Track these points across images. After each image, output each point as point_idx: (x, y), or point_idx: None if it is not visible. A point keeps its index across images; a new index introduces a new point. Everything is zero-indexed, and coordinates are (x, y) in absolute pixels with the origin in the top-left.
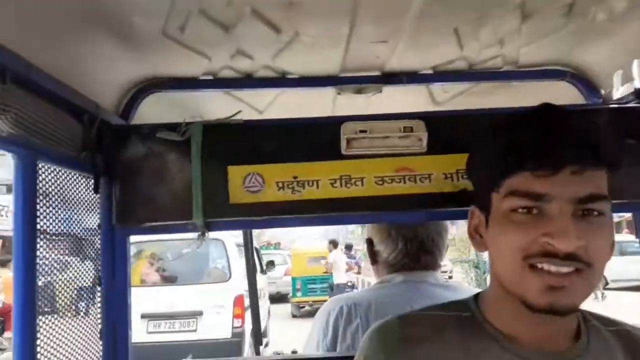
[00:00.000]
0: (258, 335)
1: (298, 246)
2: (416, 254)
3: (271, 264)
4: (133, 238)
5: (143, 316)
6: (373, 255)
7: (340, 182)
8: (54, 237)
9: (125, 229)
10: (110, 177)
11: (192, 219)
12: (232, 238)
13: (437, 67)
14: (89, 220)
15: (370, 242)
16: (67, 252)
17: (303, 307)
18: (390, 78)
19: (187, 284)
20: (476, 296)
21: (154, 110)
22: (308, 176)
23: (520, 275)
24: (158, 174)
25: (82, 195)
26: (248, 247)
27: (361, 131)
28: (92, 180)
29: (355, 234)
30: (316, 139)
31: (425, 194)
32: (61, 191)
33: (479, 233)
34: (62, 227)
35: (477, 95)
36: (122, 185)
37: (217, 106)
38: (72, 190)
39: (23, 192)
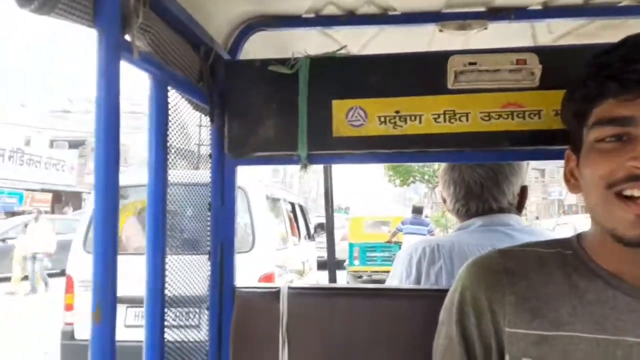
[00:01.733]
0: (333, 274)
1: (357, 210)
2: (478, 197)
3: (320, 227)
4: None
5: (121, 300)
6: (445, 202)
7: (444, 117)
8: (178, 158)
9: (235, 159)
10: (223, 109)
11: (296, 151)
12: (260, 187)
13: (549, 1)
14: (203, 148)
15: (440, 192)
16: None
17: (361, 277)
18: (497, 14)
19: (188, 254)
20: (578, 236)
21: (256, 50)
22: (411, 111)
23: (608, 207)
24: (267, 107)
25: (198, 124)
26: (328, 182)
27: (470, 63)
28: (208, 111)
29: (414, 200)
30: (421, 73)
31: (534, 130)
32: (183, 118)
33: (573, 176)
34: (185, 151)
35: (584, 37)
36: (234, 116)
37: (315, 48)
38: (191, 119)
39: (157, 112)
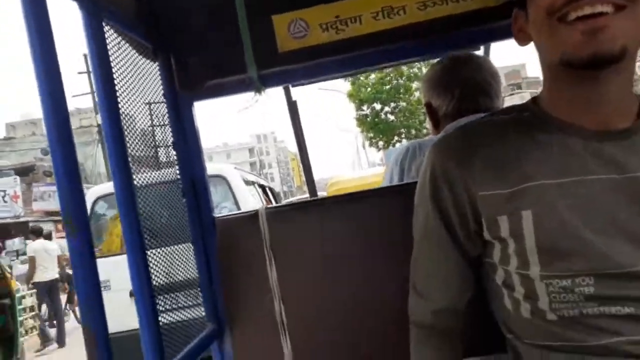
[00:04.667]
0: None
1: (339, 176)
2: (474, 96)
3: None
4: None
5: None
6: (435, 117)
7: (382, 13)
8: (128, 104)
9: (189, 94)
10: (166, 45)
11: (246, 73)
12: (238, 172)
13: None
14: (154, 91)
15: (429, 106)
16: (143, 120)
17: None
18: None
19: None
20: (533, 99)
21: None
22: (350, 13)
23: (553, 33)
24: (209, 35)
25: (145, 66)
26: (296, 122)
27: None
28: (150, 49)
29: None
30: None
31: (470, 11)
32: (127, 61)
33: (522, 31)
34: (134, 97)
35: None
36: (178, 50)
37: None
38: (137, 61)
39: (97, 52)
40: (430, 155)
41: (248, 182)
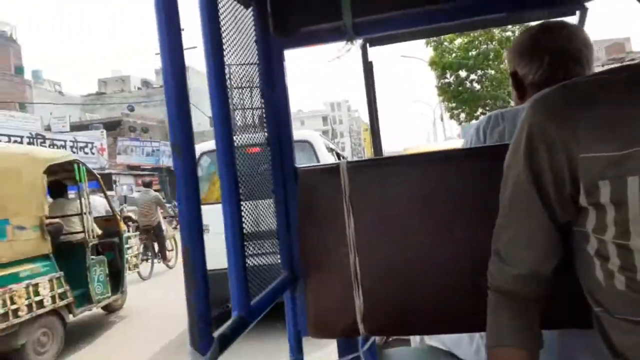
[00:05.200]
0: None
1: (413, 147)
2: (565, 63)
3: None
4: None
5: None
6: (520, 87)
7: None
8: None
9: (281, 40)
10: None
11: (342, 20)
12: (321, 139)
13: None
14: (248, 40)
15: (514, 75)
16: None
17: None
18: None
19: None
20: None
21: None
22: None
23: None
24: None
25: (239, 13)
26: (370, 83)
27: None
28: None
29: None
30: None
31: None
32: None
33: None
34: (234, 49)
35: None
36: None
37: None
38: (235, 8)
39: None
40: (528, 114)
41: (329, 149)
